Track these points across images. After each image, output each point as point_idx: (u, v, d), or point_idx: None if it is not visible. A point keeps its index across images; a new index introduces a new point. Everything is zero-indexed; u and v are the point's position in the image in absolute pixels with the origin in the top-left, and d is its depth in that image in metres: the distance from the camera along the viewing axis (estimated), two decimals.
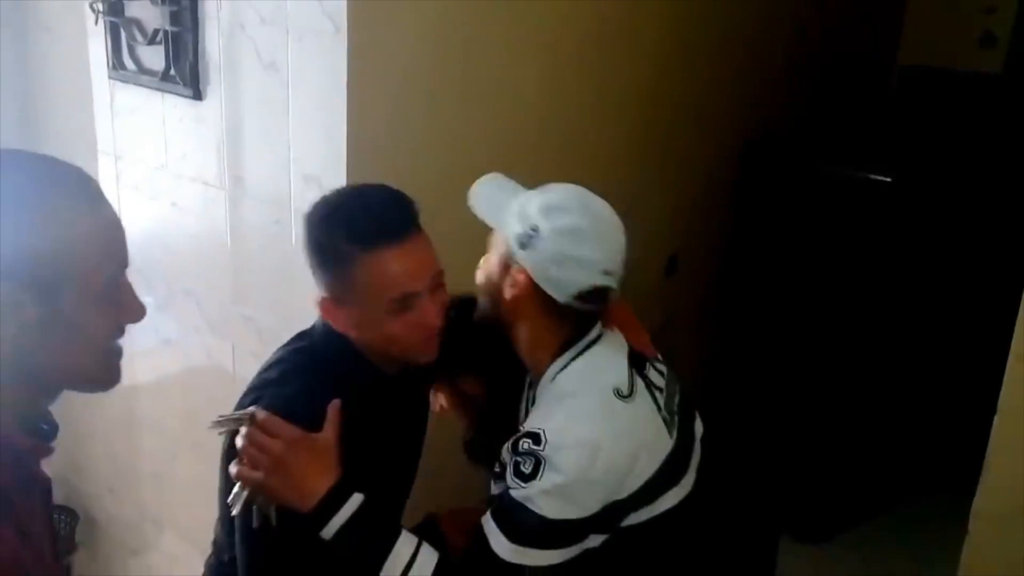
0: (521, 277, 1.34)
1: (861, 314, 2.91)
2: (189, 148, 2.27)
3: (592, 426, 1.30)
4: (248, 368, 2.30)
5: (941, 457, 3.09)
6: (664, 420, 1.39)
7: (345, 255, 1.29)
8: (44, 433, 0.99)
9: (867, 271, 2.87)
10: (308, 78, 1.97)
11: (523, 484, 1.27)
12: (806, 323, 3.02)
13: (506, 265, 1.36)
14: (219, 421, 1.33)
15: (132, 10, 2.28)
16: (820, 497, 3.06)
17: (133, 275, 2.07)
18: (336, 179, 1.95)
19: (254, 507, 1.28)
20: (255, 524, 1.28)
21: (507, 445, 1.34)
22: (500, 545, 1.28)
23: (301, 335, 1.45)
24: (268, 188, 2.11)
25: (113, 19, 2.32)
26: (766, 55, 3.00)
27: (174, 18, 2.14)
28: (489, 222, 1.42)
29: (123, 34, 2.32)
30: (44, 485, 1.00)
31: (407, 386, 1.47)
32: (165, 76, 2.22)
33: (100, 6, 2.32)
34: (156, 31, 2.21)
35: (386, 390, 1.40)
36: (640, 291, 2.85)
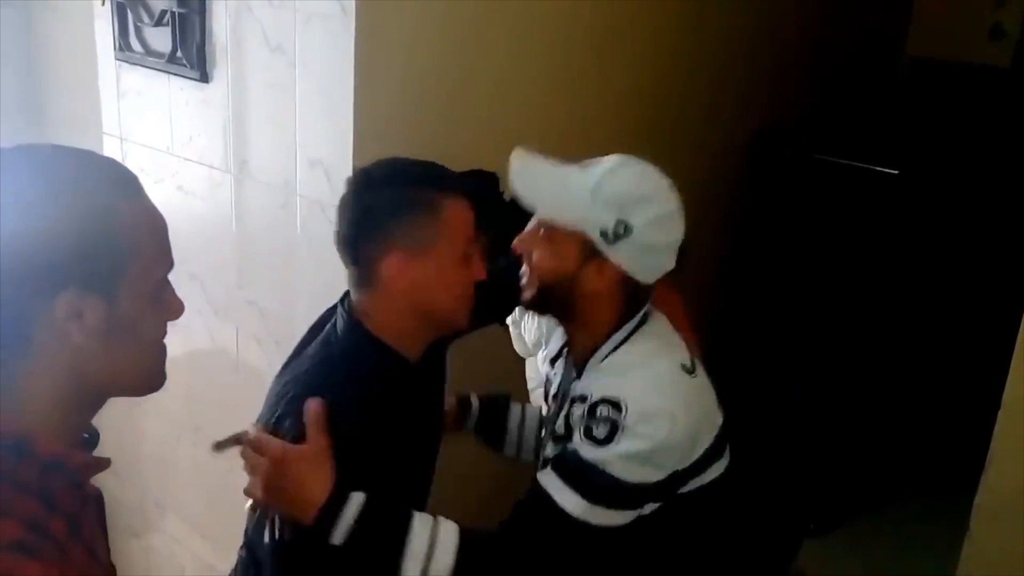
0: (610, 271, 1.34)
1: (867, 306, 2.91)
2: (195, 131, 2.27)
3: (669, 396, 1.31)
4: (251, 352, 2.31)
5: (944, 453, 3.09)
6: (715, 397, 1.42)
7: (431, 200, 1.31)
8: (86, 443, 0.97)
9: (874, 263, 2.87)
10: (315, 61, 1.96)
11: (597, 446, 1.28)
12: (812, 315, 3.01)
13: (581, 260, 1.35)
14: (219, 444, 1.32)
15: None
16: (820, 490, 3.06)
17: None
18: (342, 163, 1.95)
19: (266, 522, 1.28)
20: (266, 539, 1.27)
21: (575, 411, 1.34)
22: (571, 501, 1.28)
23: (326, 342, 1.40)
24: (274, 172, 2.11)
25: (120, 0, 2.31)
26: (774, 46, 2.98)
27: None
28: (551, 216, 1.38)
29: (130, 15, 2.31)
30: (97, 498, 0.99)
31: (427, 372, 1.46)
32: (171, 58, 2.22)
33: None
34: (163, 12, 2.20)
35: (410, 379, 1.40)
36: None
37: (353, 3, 1.84)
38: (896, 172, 2.79)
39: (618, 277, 1.35)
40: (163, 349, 0.98)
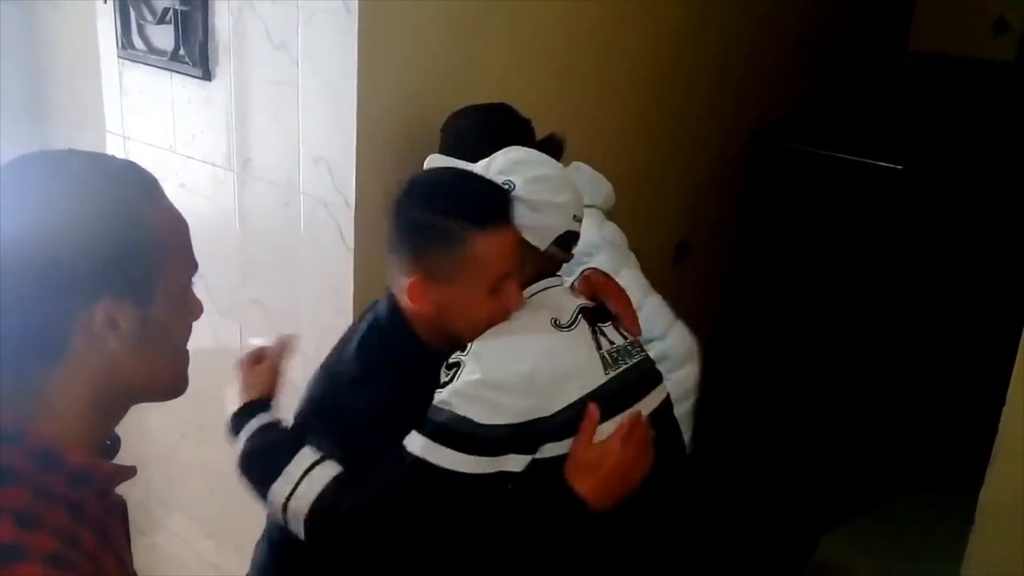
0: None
1: (871, 302, 2.90)
2: (198, 129, 2.26)
3: (520, 340, 1.34)
4: None
5: (949, 447, 3.09)
6: (602, 359, 1.40)
7: (458, 233, 1.32)
8: (107, 449, 0.97)
9: (877, 259, 2.86)
10: (318, 59, 1.96)
11: (441, 391, 1.31)
12: (816, 311, 3.01)
13: None
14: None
15: None
16: (826, 486, 3.06)
17: None
18: (345, 161, 1.94)
19: None
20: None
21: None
22: (412, 441, 1.29)
23: (374, 315, 1.48)
24: (277, 170, 2.11)
25: None
26: (777, 41, 2.98)
27: None
28: None
29: (132, 13, 2.31)
30: (121, 506, 0.99)
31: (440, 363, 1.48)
32: (174, 56, 2.21)
33: None
34: (166, 10, 2.20)
35: (430, 367, 1.41)
36: (649, 277, 2.84)
37: (356, 0, 1.84)
38: (900, 167, 2.78)
39: (514, 241, 1.37)
40: (187, 355, 0.97)
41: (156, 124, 2.37)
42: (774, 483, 2.90)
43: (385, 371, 1.38)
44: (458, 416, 1.28)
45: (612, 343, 1.43)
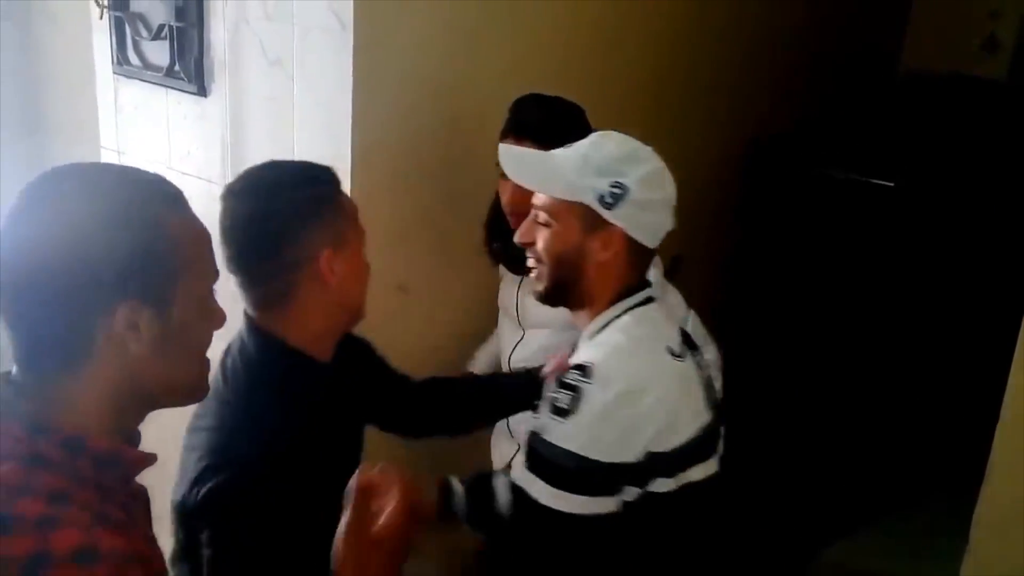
0: (615, 238, 1.34)
1: (864, 318, 2.91)
2: (193, 145, 2.27)
3: (643, 369, 1.29)
4: None
5: (941, 462, 3.09)
6: (705, 393, 1.39)
7: (332, 195, 1.37)
8: (128, 441, 1.00)
9: (870, 275, 2.87)
10: (314, 75, 1.96)
11: (561, 420, 1.24)
12: (809, 326, 3.01)
13: (586, 232, 1.34)
14: None
15: (137, 5, 2.27)
16: (823, 500, 3.06)
17: None
18: (341, 177, 1.94)
19: None
20: None
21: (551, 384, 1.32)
22: (537, 489, 1.25)
23: (246, 369, 1.38)
24: None
25: (118, 13, 2.31)
26: (770, 57, 3.00)
27: (179, 13, 2.14)
28: (547, 190, 1.38)
29: (128, 29, 2.31)
30: (143, 494, 1.02)
31: (342, 367, 1.46)
32: (169, 72, 2.22)
33: (105, 0, 2.32)
34: (161, 26, 2.20)
35: (331, 380, 1.40)
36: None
37: (351, 17, 1.85)
38: (892, 184, 2.79)
39: (623, 244, 1.34)
40: (207, 360, 1.01)
41: (151, 140, 2.37)
42: (772, 496, 2.90)
43: (297, 407, 1.31)
44: (582, 458, 1.23)
45: (704, 369, 1.42)
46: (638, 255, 1.36)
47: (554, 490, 1.24)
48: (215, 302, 1.01)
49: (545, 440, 1.26)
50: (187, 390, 1.01)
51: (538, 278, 1.41)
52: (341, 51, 1.88)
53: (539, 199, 1.38)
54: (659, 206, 1.35)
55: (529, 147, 1.66)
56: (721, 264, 3.13)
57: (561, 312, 1.57)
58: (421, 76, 2.02)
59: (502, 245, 1.90)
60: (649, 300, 1.39)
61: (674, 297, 1.69)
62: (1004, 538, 1.83)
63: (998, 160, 3.04)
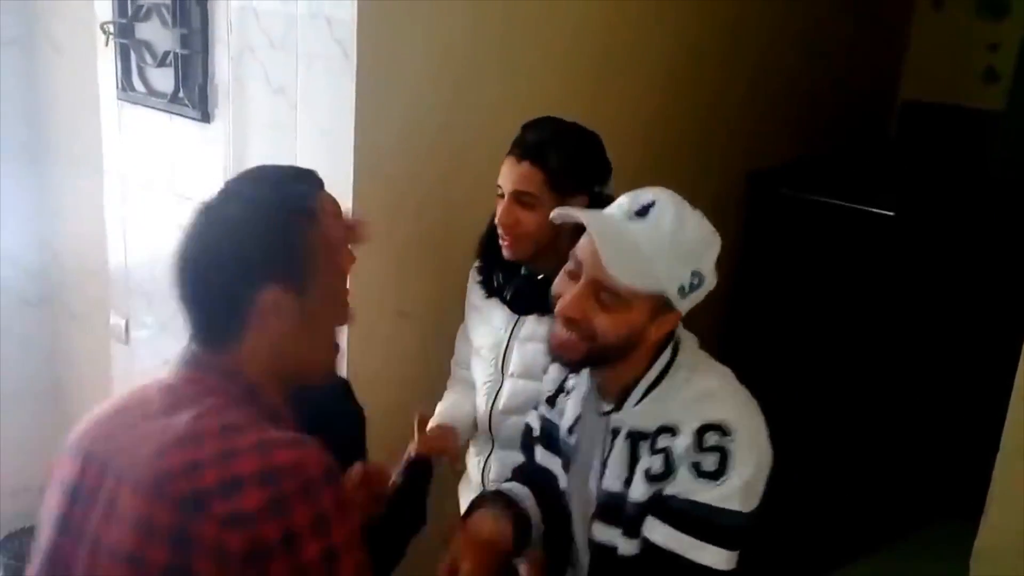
0: (673, 319, 1.34)
1: (864, 346, 2.91)
2: (196, 171, 2.28)
3: (753, 408, 1.32)
4: None
5: (941, 490, 3.08)
6: None
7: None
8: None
9: (871, 304, 2.87)
10: (316, 103, 1.98)
11: (715, 483, 1.22)
12: (810, 355, 3.01)
13: (652, 315, 1.30)
14: None
15: (142, 32, 2.30)
16: (819, 529, 3.04)
17: (135, 296, 2.10)
18: (343, 204, 1.95)
19: None
20: None
21: (670, 443, 1.26)
22: (712, 556, 1.22)
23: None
24: None
25: (123, 40, 2.34)
26: (771, 87, 3.02)
27: (184, 41, 2.16)
28: (636, 284, 1.28)
29: (133, 55, 2.34)
30: None
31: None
32: (174, 98, 2.24)
33: (111, 27, 2.34)
34: (166, 53, 2.22)
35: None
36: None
37: (355, 46, 1.87)
38: (892, 214, 2.80)
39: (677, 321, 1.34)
40: (337, 346, 1.15)
41: (154, 165, 2.39)
42: (771, 523, 2.88)
43: None
44: (743, 515, 1.23)
45: None
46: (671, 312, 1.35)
47: (730, 552, 1.24)
48: (347, 299, 1.14)
49: (696, 502, 1.22)
50: (320, 371, 1.14)
51: (569, 349, 1.31)
52: (344, 80, 1.89)
53: (606, 277, 1.26)
54: (706, 287, 1.36)
55: (528, 168, 1.69)
56: (722, 293, 3.13)
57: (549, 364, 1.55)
58: (422, 105, 2.04)
59: (503, 275, 1.84)
60: (678, 342, 1.39)
61: None
62: (1004, 567, 1.82)
63: (997, 191, 3.05)
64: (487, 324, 1.86)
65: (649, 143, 2.67)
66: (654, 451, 1.28)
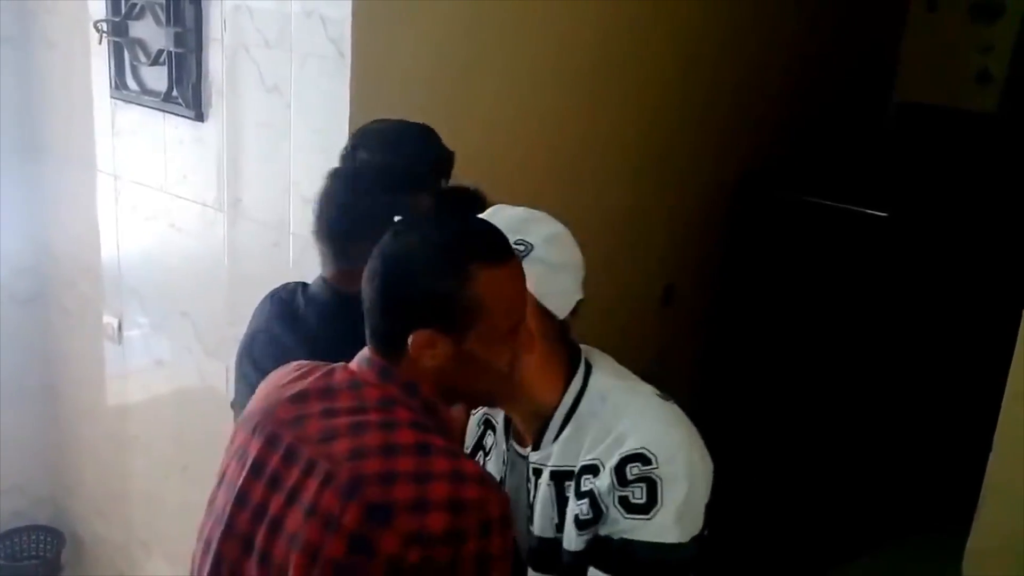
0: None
1: (857, 348, 2.91)
2: (189, 169, 2.28)
3: (676, 425, 1.23)
4: None
5: (933, 494, 3.08)
6: None
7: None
8: None
9: (862, 305, 2.88)
10: (310, 102, 1.98)
11: (645, 517, 1.17)
12: (802, 356, 3.01)
13: None
14: None
15: (136, 30, 2.30)
16: (811, 534, 3.05)
17: (128, 296, 2.11)
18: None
19: None
20: None
21: (591, 484, 1.21)
22: None
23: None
24: (267, 210, 2.11)
25: (117, 39, 2.33)
26: (764, 88, 3.02)
27: (178, 39, 2.16)
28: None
29: (126, 54, 2.33)
30: None
31: None
32: (167, 97, 2.23)
33: (104, 25, 2.34)
34: (159, 52, 2.22)
35: None
36: (637, 320, 2.85)
37: (349, 45, 1.87)
38: (885, 215, 2.81)
39: (534, 311, 1.21)
40: (510, 375, 1.19)
41: (148, 164, 2.38)
42: (763, 527, 2.89)
43: None
44: (686, 546, 1.17)
45: None
46: (550, 327, 1.25)
47: None
48: (523, 333, 1.17)
49: (634, 540, 1.18)
50: (484, 398, 1.25)
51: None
52: (338, 79, 1.89)
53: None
54: (565, 269, 1.25)
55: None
56: (713, 294, 3.14)
57: None
58: (417, 104, 2.03)
59: None
60: (590, 366, 1.30)
61: None
62: (996, 567, 1.82)
63: (991, 193, 3.06)
64: None
65: (644, 145, 2.67)
66: (579, 495, 1.23)
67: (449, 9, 2.03)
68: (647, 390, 1.29)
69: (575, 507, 1.23)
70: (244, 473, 1.12)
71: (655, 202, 2.79)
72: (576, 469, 1.23)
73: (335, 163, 1.94)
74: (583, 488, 1.22)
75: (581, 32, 2.35)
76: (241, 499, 1.11)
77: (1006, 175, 3.08)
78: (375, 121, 1.74)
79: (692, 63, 2.73)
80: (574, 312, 1.27)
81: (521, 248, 1.21)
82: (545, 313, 1.24)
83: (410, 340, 1.09)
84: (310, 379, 1.16)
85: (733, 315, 3.17)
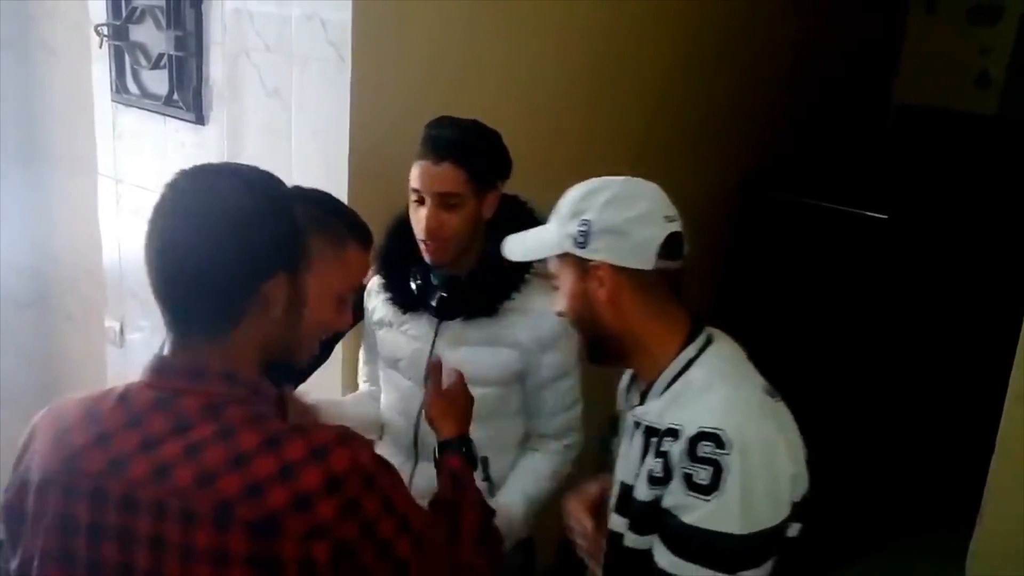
0: (603, 271, 1.30)
1: (858, 350, 2.91)
2: None
3: (766, 422, 1.25)
4: None
5: (936, 495, 3.08)
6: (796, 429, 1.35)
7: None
8: None
9: (863, 308, 2.88)
10: (311, 105, 1.98)
11: (705, 498, 1.18)
12: (803, 358, 3.01)
13: (581, 278, 1.33)
14: None
15: (137, 34, 2.30)
16: (815, 534, 3.04)
17: (130, 299, 2.10)
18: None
19: None
20: None
21: (668, 447, 1.24)
22: (661, 556, 1.22)
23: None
24: None
25: (118, 43, 2.33)
26: (764, 91, 3.02)
27: (179, 43, 2.16)
28: (538, 256, 1.43)
29: (127, 58, 2.34)
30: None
31: None
32: (168, 101, 2.24)
33: (105, 29, 2.34)
34: (160, 56, 2.22)
35: None
36: None
37: (349, 49, 1.87)
38: (885, 217, 2.81)
39: (615, 276, 1.30)
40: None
41: (149, 167, 2.39)
42: None
43: None
44: (743, 537, 1.18)
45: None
46: (644, 282, 1.31)
47: (721, 575, 1.20)
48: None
49: (690, 525, 1.20)
50: (299, 352, 1.17)
51: (582, 342, 1.43)
52: (339, 83, 1.90)
53: (552, 267, 1.38)
54: (629, 225, 1.30)
55: (449, 169, 1.65)
56: (715, 297, 3.14)
57: (485, 370, 1.65)
58: (417, 107, 2.03)
59: (420, 279, 1.76)
60: (710, 338, 1.37)
61: None
62: (1000, 568, 1.82)
63: (989, 193, 3.07)
64: (403, 335, 1.80)
65: (643, 146, 2.67)
66: (657, 453, 1.27)
67: (448, 12, 2.03)
68: (753, 380, 1.34)
69: (651, 462, 1.27)
70: (83, 540, 0.99)
71: None
72: (662, 429, 1.27)
73: (336, 166, 1.95)
74: (662, 448, 1.26)
75: (580, 35, 2.35)
76: (94, 568, 0.99)
77: (1005, 177, 3.09)
78: None
79: (692, 65, 2.74)
80: (673, 252, 1.34)
81: (584, 228, 1.29)
82: (631, 271, 1.29)
83: (262, 291, 1.02)
84: (102, 414, 1.03)
85: (733, 318, 3.17)
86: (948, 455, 3.06)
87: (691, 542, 1.20)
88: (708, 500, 1.18)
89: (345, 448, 1.00)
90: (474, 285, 1.72)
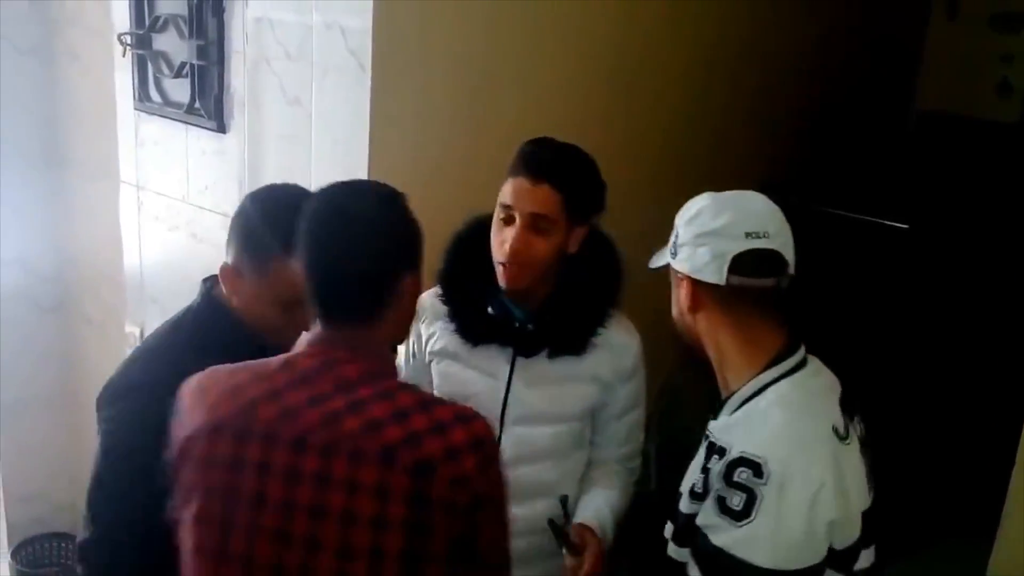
0: (685, 282, 1.33)
1: (877, 362, 2.89)
2: (211, 180, 2.29)
3: (815, 462, 1.20)
4: None
5: (957, 502, 3.05)
6: (868, 474, 1.31)
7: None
8: None
9: (884, 319, 2.86)
10: (331, 114, 1.99)
11: (736, 524, 1.16)
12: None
13: (676, 286, 1.37)
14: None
15: (160, 43, 2.32)
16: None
17: (150, 305, 2.11)
18: None
19: None
20: None
21: (712, 465, 1.23)
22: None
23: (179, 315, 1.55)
24: None
25: (140, 51, 2.35)
26: (783, 97, 3.01)
27: (201, 52, 2.18)
28: (656, 264, 1.47)
29: (150, 66, 2.36)
30: None
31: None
32: (190, 109, 2.25)
33: (128, 38, 2.36)
34: (183, 64, 2.24)
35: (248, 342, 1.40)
36: (657, 329, 2.83)
37: (370, 58, 1.88)
38: (906, 226, 2.79)
39: (694, 288, 1.31)
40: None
41: (170, 175, 2.40)
42: None
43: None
44: (761, 570, 1.15)
45: (864, 443, 1.34)
46: (721, 297, 1.29)
47: None
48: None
49: (718, 547, 1.18)
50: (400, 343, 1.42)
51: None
52: (359, 92, 1.90)
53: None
54: (707, 238, 1.29)
55: (547, 190, 1.57)
56: None
57: (566, 408, 1.63)
58: (437, 115, 2.04)
59: (496, 309, 1.66)
60: (801, 365, 1.31)
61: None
62: None
63: (1011, 202, 3.04)
64: (475, 369, 1.68)
65: (663, 154, 2.67)
66: (703, 468, 1.26)
67: (468, 21, 2.04)
68: (823, 416, 1.27)
69: (696, 476, 1.28)
70: (250, 477, 1.13)
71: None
72: (717, 446, 1.27)
73: (355, 175, 1.95)
74: (707, 464, 1.26)
75: (600, 42, 2.36)
76: (258, 502, 1.13)
77: None
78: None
79: (711, 71, 2.73)
80: (752, 268, 1.28)
81: (674, 239, 1.36)
82: (708, 285, 1.29)
83: (399, 287, 1.20)
84: (269, 375, 1.19)
85: None
86: (969, 463, 3.04)
87: (717, 563, 1.19)
88: (739, 527, 1.16)
89: (480, 419, 1.18)
90: (562, 320, 1.63)
